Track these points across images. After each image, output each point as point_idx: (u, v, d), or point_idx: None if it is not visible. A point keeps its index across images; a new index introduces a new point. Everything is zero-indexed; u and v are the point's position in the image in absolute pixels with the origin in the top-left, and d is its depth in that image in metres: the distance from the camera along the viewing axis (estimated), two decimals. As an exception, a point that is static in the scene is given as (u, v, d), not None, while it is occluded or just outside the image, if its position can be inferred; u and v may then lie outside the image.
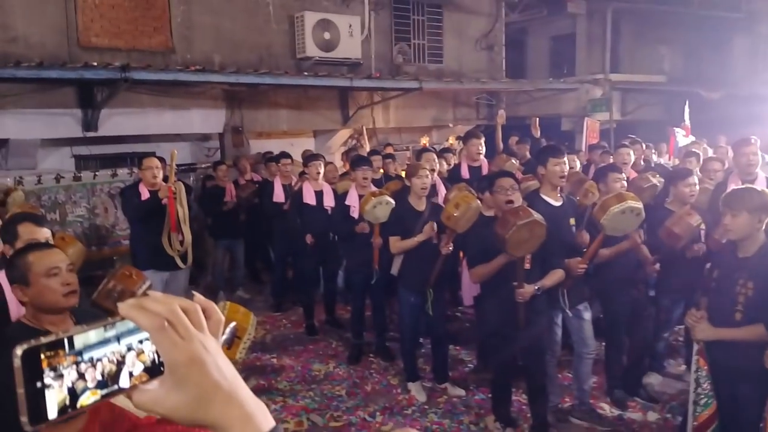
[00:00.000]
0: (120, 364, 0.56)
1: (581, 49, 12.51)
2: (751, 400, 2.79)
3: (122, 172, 7.13)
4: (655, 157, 7.41)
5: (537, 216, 3.29)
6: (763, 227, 2.80)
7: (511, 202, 3.51)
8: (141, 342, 0.58)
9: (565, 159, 3.87)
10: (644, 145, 6.93)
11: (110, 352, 0.56)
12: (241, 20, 8.02)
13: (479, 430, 4.01)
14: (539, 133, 7.84)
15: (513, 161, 5.93)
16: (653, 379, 4.51)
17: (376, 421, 4.15)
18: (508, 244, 3.26)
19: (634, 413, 4.14)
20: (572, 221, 3.89)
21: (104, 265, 6.29)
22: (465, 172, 5.89)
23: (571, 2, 11.72)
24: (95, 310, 2.77)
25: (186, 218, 4.71)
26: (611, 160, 5.66)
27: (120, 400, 0.59)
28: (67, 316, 2.18)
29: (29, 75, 5.99)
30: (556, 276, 3.58)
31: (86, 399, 0.54)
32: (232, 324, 2.03)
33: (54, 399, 0.51)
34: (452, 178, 5.83)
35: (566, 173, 3.89)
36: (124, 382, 0.56)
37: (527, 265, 3.47)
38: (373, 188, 5.02)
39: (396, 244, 4.35)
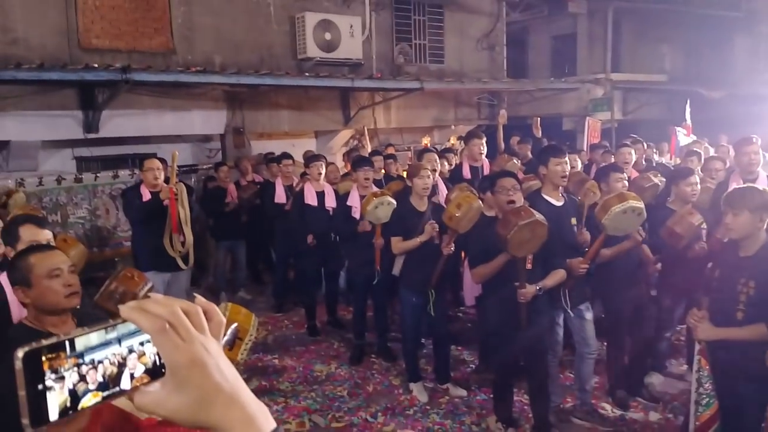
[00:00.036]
0: (121, 366, 0.56)
1: (582, 48, 12.51)
2: (753, 399, 2.79)
3: (123, 173, 7.14)
4: (656, 157, 7.40)
5: (538, 216, 3.28)
6: (765, 226, 2.79)
7: (512, 202, 3.51)
8: (142, 344, 0.58)
9: (567, 159, 3.87)
10: (645, 145, 6.92)
11: (111, 354, 0.56)
12: (241, 21, 8.02)
13: (481, 430, 4.00)
14: (540, 132, 7.85)
15: (514, 161, 5.92)
16: (655, 379, 4.51)
17: (378, 422, 4.15)
18: (510, 245, 3.26)
19: (635, 413, 4.14)
20: (574, 221, 3.88)
21: (106, 266, 6.30)
22: (466, 172, 5.90)
23: (572, 2, 11.72)
24: (97, 311, 2.77)
25: (187, 219, 4.71)
26: (612, 160, 5.66)
27: (121, 402, 0.59)
28: (69, 317, 2.18)
29: (30, 77, 6.00)
30: (557, 276, 3.58)
31: (87, 401, 0.54)
32: (234, 325, 2.04)
33: (55, 401, 0.52)
34: (454, 178, 5.83)
35: (567, 173, 3.89)
36: (125, 383, 0.56)
37: (529, 265, 3.47)
38: (375, 189, 5.02)
39: (398, 244, 4.35)
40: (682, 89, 10.14)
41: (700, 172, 4.97)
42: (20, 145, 6.65)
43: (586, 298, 3.97)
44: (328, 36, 8.23)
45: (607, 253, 3.88)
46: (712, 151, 6.51)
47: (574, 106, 10.71)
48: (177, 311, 0.59)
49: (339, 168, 6.81)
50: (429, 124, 10.49)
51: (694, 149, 6.11)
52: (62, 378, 0.52)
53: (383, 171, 6.39)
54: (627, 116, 11.07)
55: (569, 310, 3.85)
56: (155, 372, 0.58)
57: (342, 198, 5.32)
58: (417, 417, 4.20)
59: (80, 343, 0.54)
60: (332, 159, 8.02)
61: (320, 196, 5.61)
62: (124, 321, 0.57)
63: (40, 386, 0.51)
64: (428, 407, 4.32)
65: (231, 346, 2.14)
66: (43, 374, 0.51)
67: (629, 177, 4.80)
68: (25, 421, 0.50)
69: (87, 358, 0.54)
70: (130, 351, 0.57)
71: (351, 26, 8.43)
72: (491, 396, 4.15)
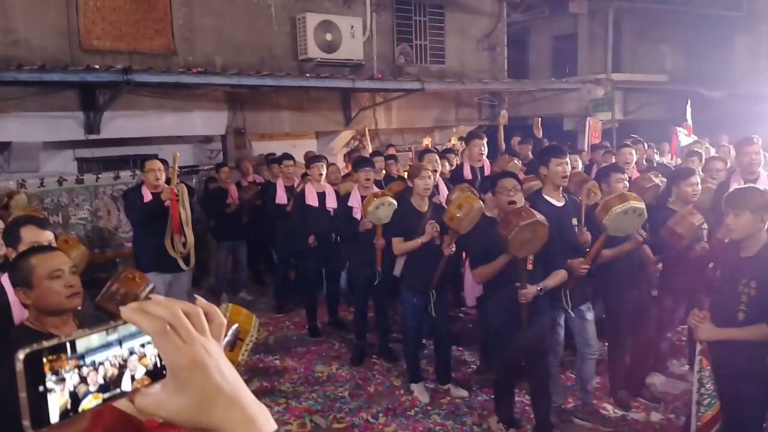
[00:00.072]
0: (122, 367, 0.56)
1: (583, 48, 12.51)
2: (755, 400, 2.78)
3: (125, 174, 7.15)
4: (657, 157, 7.40)
5: (539, 216, 3.28)
6: (766, 227, 2.79)
7: (513, 202, 3.51)
8: (143, 346, 0.58)
9: (567, 159, 3.87)
10: (646, 145, 6.92)
11: (112, 356, 0.56)
12: (242, 22, 8.03)
13: (482, 431, 4.00)
14: (541, 133, 7.85)
15: (515, 162, 5.92)
16: (656, 380, 4.50)
17: (379, 423, 4.15)
18: (511, 245, 3.26)
19: (637, 414, 4.13)
20: (575, 221, 3.88)
21: (107, 267, 6.30)
22: (467, 173, 5.90)
23: (573, 2, 11.71)
24: (99, 313, 2.77)
25: (188, 220, 4.72)
26: (613, 160, 5.65)
27: (122, 404, 0.60)
28: (71, 318, 2.18)
29: (31, 78, 6.01)
30: (558, 276, 3.58)
31: (88, 403, 0.54)
32: (235, 326, 2.03)
33: (56, 403, 0.52)
34: (454, 178, 5.83)
35: (568, 173, 3.88)
36: (126, 385, 0.57)
37: (530, 266, 3.47)
38: (376, 189, 5.02)
39: (399, 245, 4.35)
40: (683, 89, 10.14)
41: (701, 172, 4.97)
42: (21, 147, 6.66)
43: (588, 298, 3.96)
44: (329, 37, 8.23)
45: (608, 253, 3.87)
46: (713, 151, 6.50)
47: (575, 107, 10.71)
48: (178, 313, 0.59)
49: (340, 169, 6.81)
50: (430, 124, 10.49)
51: (695, 149, 6.11)
52: (63, 380, 0.52)
53: (384, 171, 6.39)
54: (628, 116, 11.06)
55: (570, 311, 3.85)
56: (156, 374, 0.58)
57: (343, 199, 5.32)
58: (418, 418, 4.20)
59: (81, 345, 0.54)
60: (333, 160, 8.02)
61: (321, 196, 5.61)
62: (125, 323, 0.58)
63: (41, 388, 0.51)
64: (429, 408, 4.32)
65: (232, 347, 2.14)
66: (44, 376, 0.51)
67: (630, 177, 4.80)
68: (26, 422, 0.50)
69: (88, 360, 0.54)
70: (131, 353, 0.57)
71: (352, 27, 8.43)
72: (492, 396, 4.15)
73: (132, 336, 0.58)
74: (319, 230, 5.52)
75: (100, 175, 7.03)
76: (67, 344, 0.53)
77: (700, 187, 4.16)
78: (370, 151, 7.85)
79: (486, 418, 4.09)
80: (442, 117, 10.50)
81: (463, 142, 7.70)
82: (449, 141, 10.12)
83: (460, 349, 5.27)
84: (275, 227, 6.44)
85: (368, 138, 8.86)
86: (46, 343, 0.52)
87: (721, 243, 3.44)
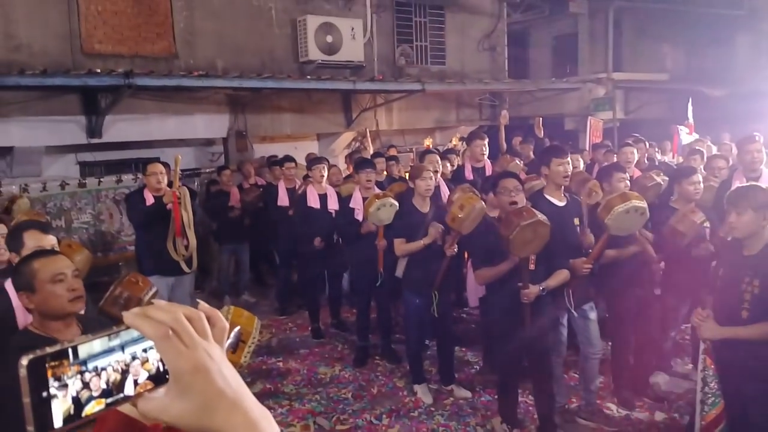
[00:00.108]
0: (125, 372, 0.57)
1: (584, 48, 12.48)
2: (759, 398, 2.77)
3: (127, 178, 7.17)
4: (659, 156, 7.39)
5: (540, 216, 3.28)
6: (769, 225, 2.79)
7: (514, 203, 3.51)
8: (145, 351, 0.58)
9: (569, 159, 3.87)
10: (648, 144, 6.91)
11: (115, 361, 0.56)
12: (243, 25, 8.04)
13: (486, 431, 4.00)
14: (543, 132, 7.84)
15: (517, 162, 5.92)
16: (660, 379, 4.49)
17: (383, 424, 4.15)
18: (512, 245, 3.26)
19: (641, 413, 4.12)
20: (577, 221, 3.88)
21: (110, 271, 6.32)
22: (468, 173, 5.90)
23: (573, 2, 11.70)
24: (102, 317, 2.78)
25: (191, 223, 4.72)
26: (615, 159, 5.65)
27: (125, 408, 0.60)
28: (74, 323, 2.19)
29: (33, 82, 6.02)
30: (561, 276, 3.58)
31: (91, 408, 0.54)
32: (237, 328, 2.04)
33: (59, 408, 0.52)
34: (456, 179, 5.83)
35: (570, 173, 3.88)
36: (129, 390, 0.57)
37: (532, 266, 3.47)
38: (377, 190, 5.03)
39: (400, 246, 4.35)
40: (684, 88, 10.12)
41: (702, 170, 4.96)
42: (24, 151, 6.68)
43: (590, 298, 3.96)
44: (329, 39, 8.24)
45: (612, 254, 3.87)
46: (714, 150, 6.49)
47: (576, 106, 10.70)
48: (180, 317, 0.60)
49: (341, 170, 6.82)
50: (431, 125, 10.49)
51: (697, 148, 6.10)
52: (65, 386, 0.52)
53: (385, 173, 6.40)
54: (629, 115, 11.04)
55: (573, 311, 3.84)
56: (159, 378, 0.59)
57: (344, 200, 5.32)
58: (421, 419, 4.20)
59: (83, 351, 0.54)
60: (334, 161, 8.03)
61: (323, 198, 5.62)
62: (128, 328, 0.58)
63: (45, 394, 0.51)
64: (433, 409, 4.32)
65: (234, 349, 2.15)
66: (47, 382, 0.52)
67: (632, 176, 4.79)
68: (30, 428, 0.51)
69: (90, 366, 0.54)
70: (134, 358, 0.57)
71: (352, 29, 8.44)
72: (496, 397, 4.15)
73: (134, 341, 0.58)
74: (321, 232, 5.53)
75: (102, 179, 7.06)
76: (70, 350, 0.53)
77: (702, 185, 4.15)
78: (371, 152, 7.86)
79: (489, 419, 4.09)
80: (443, 118, 10.51)
81: (464, 143, 7.70)
82: (450, 142, 10.13)
83: (463, 349, 5.26)
84: (277, 229, 6.45)
85: (369, 139, 8.86)
86: (49, 349, 0.52)
87: (724, 241, 3.44)
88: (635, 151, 5.62)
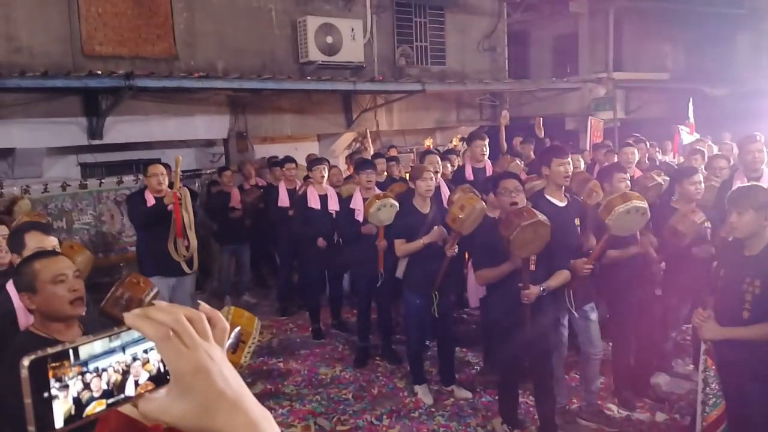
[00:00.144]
0: (125, 373, 0.57)
1: (584, 48, 12.48)
2: (760, 399, 2.77)
3: (128, 179, 7.18)
4: (659, 156, 7.39)
5: (541, 216, 3.28)
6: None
7: (515, 203, 3.50)
8: (146, 352, 0.58)
9: (569, 159, 3.86)
10: (649, 144, 6.90)
11: (115, 362, 0.56)
12: (243, 26, 8.05)
13: (487, 432, 4.00)
14: (543, 133, 7.84)
15: (517, 162, 5.92)
16: (661, 380, 4.49)
17: (383, 425, 4.15)
18: (513, 245, 3.26)
19: (642, 414, 4.12)
20: (577, 221, 3.88)
21: (111, 272, 6.32)
22: (469, 174, 5.90)
23: (573, 1, 11.70)
24: (103, 318, 2.78)
25: (191, 224, 4.73)
26: (615, 159, 5.65)
27: (126, 409, 0.60)
28: (76, 324, 2.19)
29: (34, 84, 6.03)
30: (561, 277, 3.57)
31: (92, 409, 0.54)
32: (237, 329, 2.04)
33: (60, 409, 0.52)
34: (456, 179, 5.83)
35: (570, 173, 3.88)
36: (130, 391, 0.57)
37: (532, 266, 3.46)
38: (378, 191, 5.03)
39: (401, 246, 4.35)
40: (685, 87, 10.12)
41: (703, 170, 4.96)
42: (25, 152, 6.69)
43: (591, 298, 3.96)
44: (329, 39, 8.24)
45: (614, 254, 3.87)
46: (715, 149, 6.49)
47: (577, 106, 10.69)
48: (181, 319, 0.60)
49: (342, 171, 6.82)
50: (431, 125, 10.50)
51: (698, 147, 6.09)
52: (66, 386, 0.53)
53: (386, 173, 6.40)
54: (630, 115, 11.04)
55: (574, 311, 3.84)
56: (160, 379, 0.59)
57: (345, 201, 5.32)
58: (422, 419, 4.20)
59: (84, 352, 0.54)
60: (335, 162, 8.03)
61: (323, 199, 5.62)
62: (129, 329, 0.58)
63: (46, 394, 0.52)
64: (433, 409, 4.32)
65: (234, 350, 2.15)
66: (49, 382, 0.52)
67: (632, 176, 4.79)
68: (32, 429, 0.51)
69: (91, 367, 0.55)
70: (135, 358, 0.58)
71: (352, 29, 8.44)
72: (496, 398, 4.14)
73: (135, 342, 0.58)
74: (322, 233, 5.53)
75: (103, 180, 7.06)
76: (71, 351, 0.54)
77: (703, 185, 4.15)
78: (372, 152, 7.85)
79: (490, 420, 4.09)
80: (444, 118, 10.51)
81: (464, 143, 7.70)
82: (451, 142, 10.13)
83: (464, 350, 5.26)
84: (278, 230, 6.45)
85: (370, 140, 8.86)
86: (50, 350, 0.53)
87: (725, 242, 3.44)
88: (636, 151, 5.61)
